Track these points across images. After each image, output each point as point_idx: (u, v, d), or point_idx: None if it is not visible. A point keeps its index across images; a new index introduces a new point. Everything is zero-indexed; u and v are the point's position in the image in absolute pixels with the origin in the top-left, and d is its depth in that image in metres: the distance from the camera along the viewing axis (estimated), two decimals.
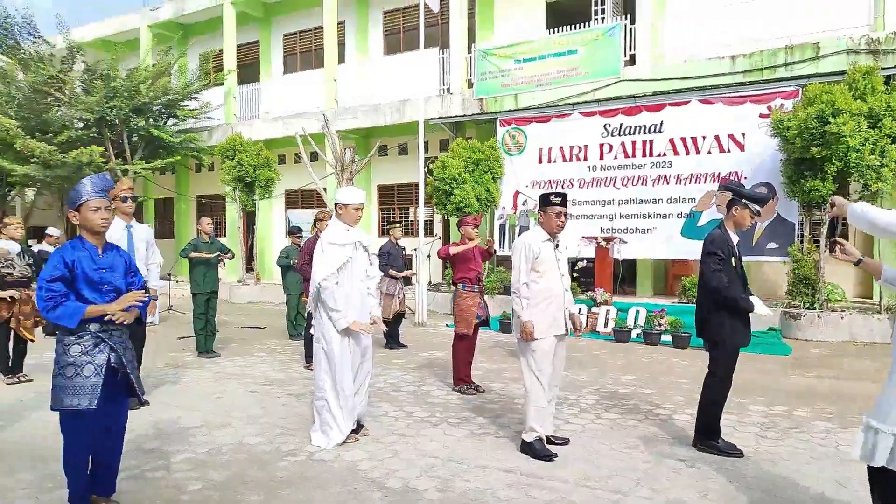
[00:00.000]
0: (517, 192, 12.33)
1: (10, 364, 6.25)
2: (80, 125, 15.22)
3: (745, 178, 10.08)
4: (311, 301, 4.36)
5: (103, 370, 3.06)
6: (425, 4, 11.19)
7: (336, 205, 4.40)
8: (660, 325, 9.09)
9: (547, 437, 4.25)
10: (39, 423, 4.80)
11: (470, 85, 13.75)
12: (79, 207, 3.13)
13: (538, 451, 4.09)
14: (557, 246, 4.25)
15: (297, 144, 14.16)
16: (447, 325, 10.54)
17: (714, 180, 10.44)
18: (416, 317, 10.87)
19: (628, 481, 3.72)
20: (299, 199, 17.23)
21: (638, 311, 9.55)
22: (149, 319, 10.37)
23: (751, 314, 4.19)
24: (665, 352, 8.41)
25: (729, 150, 10.32)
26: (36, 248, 9.29)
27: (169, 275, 13.41)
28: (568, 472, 3.86)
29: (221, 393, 5.85)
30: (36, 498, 3.41)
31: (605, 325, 9.60)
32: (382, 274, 8.43)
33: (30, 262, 6.49)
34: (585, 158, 11.61)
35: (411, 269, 9.73)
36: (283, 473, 3.81)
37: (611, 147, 11.37)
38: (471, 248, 6.06)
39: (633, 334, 9.23)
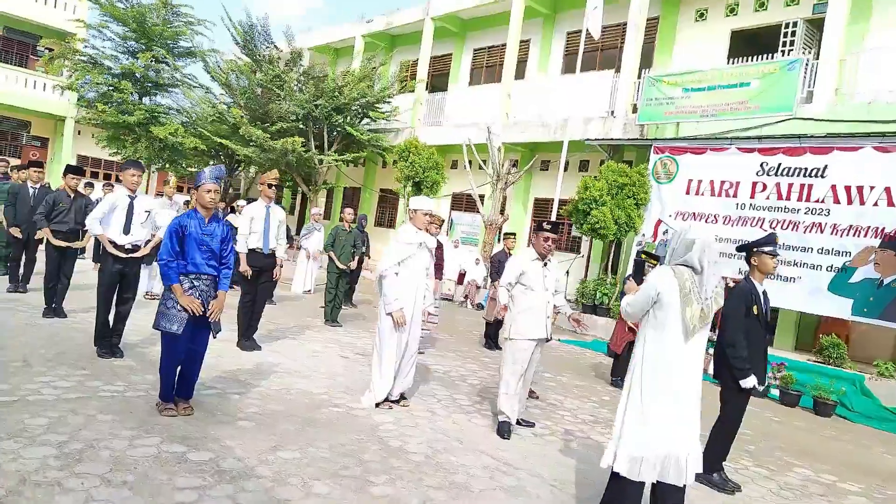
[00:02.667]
0: (660, 221, 12.19)
1: None
2: (292, 118, 17.91)
3: None
4: (376, 286, 5.26)
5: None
6: (587, 31, 11.56)
7: (409, 210, 5.26)
8: (774, 378, 8.62)
9: (517, 420, 5.10)
10: None
11: (635, 109, 13.79)
12: (198, 187, 4.34)
13: (501, 430, 4.92)
14: (546, 265, 4.83)
15: (462, 152, 15.38)
16: (559, 340, 10.90)
17: (876, 235, 9.48)
18: None
19: (591, 491, 4.05)
20: (463, 202, 18.47)
21: None
22: (306, 287, 12.26)
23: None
24: (766, 405, 8.03)
25: None
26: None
27: None
28: (546, 469, 4.29)
29: (321, 354, 7.01)
30: (148, 392, 4.72)
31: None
32: (491, 281, 9.15)
33: None
34: (735, 195, 11.15)
35: None
36: (320, 417, 4.75)
37: (764, 186, 10.79)
38: None
39: None
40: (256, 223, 6.67)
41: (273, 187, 6.81)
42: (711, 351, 4.98)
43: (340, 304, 9.16)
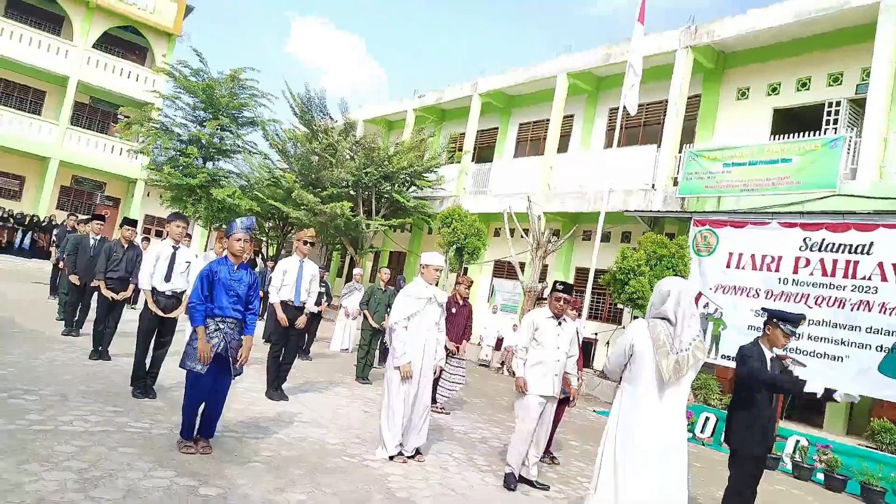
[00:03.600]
0: (699, 294, 11.98)
1: None
2: (343, 184, 18.70)
3: None
4: (387, 338, 5.42)
5: (216, 349, 4.47)
6: (624, 107, 11.89)
7: (419, 265, 5.46)
8: (820, 461, 8.19)
9: (529, 480, 5.11)
10: None
11: (675, 183, 13.87)
12: (229, 236, 4.68)
13: (507, 481, 4.99)
14: (560, 324, 4.85)
15: (503, 220, 15.67)
16: (594, 412, 10.68)
17: None
18: None
19: None
20: (505, 269, 18.62)
21: (798, 441, 8.67)
22: (344, 346, 12.47)
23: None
24: (810, 489, 7.60)
25: None
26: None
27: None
28: None
29: (344, 408, 7.12)
30: (171, 431, 4.92)
31: None
32: None
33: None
34: (777, 270, 10.94)
35: None
36: (332, 465, 4.83)
37: (808, 262, 10.57)
38: None
39: (786, 464, 8.43)
40: (289, 276, 6.97)
41: (308, 244, 7.14)
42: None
43: (372, 362, 9.31)
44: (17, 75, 24.82)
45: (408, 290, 5.33)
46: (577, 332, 6.97)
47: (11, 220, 21.22)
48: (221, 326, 4.53)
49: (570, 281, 16.91)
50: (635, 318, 4.03)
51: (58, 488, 3.50)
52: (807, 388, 3.95)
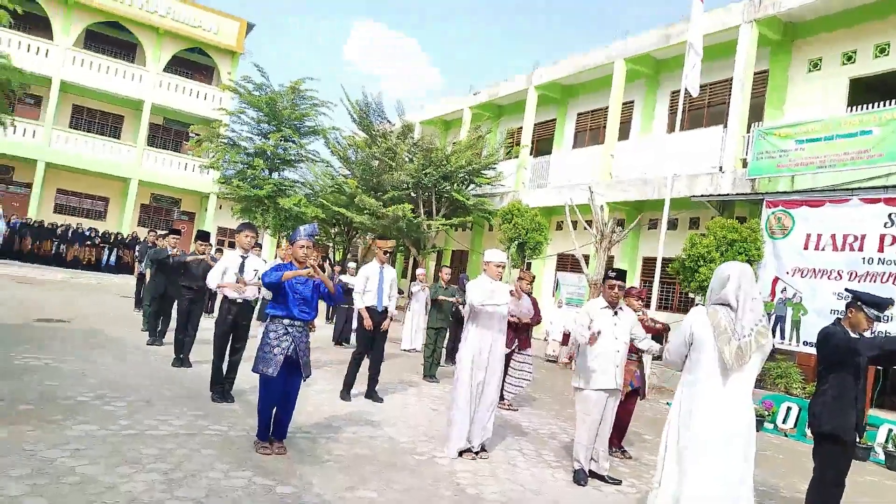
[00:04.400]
0: (776, 279, 11.45)
1: None
2: (403, 186, 18.96)
3: None
4: (465, 319, 5.48)
5: (286, 352, 4.63)
6: (685, 89, 11.51)
7: (483, 262, 5.49)
8: None
9: (599, 474, 5.06)
10: None
11: (744, 164, 13.30)
12: (293, 243, 4.84)
13: (577, 477, 4.96)
14: (616, 313, 4.75)
15: (565, 213, 15.46)
16: (667, 404, 10.40)
17: None
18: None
19: None
20: (569, 263, 18.37)
21: (891, 430, 8.16)
22: (413, 346, 12.62)
23: None
24: None
25: None
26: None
27: None
28: None
29: (412, 406, 7.23)
30: (248, 433, 5.14)
31: None
32: None
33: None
34: (861, 249, 10.31)
35: None
36: (400, 463, 4.92)
37: (894, 239, 9.91)
38: None
39: (878, 454, 7.95)
40: (371, 282, 7.10)
41: (388, 253, 7.28)
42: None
43: (439, 360, 9.40)
44: (98, 102, 26.49)
45: (474, 283, 5.39)
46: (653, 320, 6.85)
47: (98, 239, 22.62)
48: (290, 330, 4.69)
49: (638, 271, 16.52)
50: (696, 305, 3.94)
51: (147, 489, 3.72)
52: None
